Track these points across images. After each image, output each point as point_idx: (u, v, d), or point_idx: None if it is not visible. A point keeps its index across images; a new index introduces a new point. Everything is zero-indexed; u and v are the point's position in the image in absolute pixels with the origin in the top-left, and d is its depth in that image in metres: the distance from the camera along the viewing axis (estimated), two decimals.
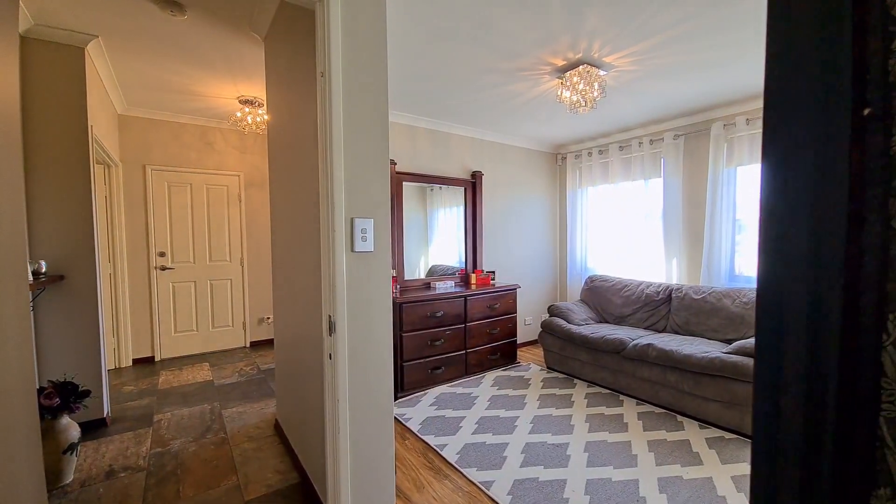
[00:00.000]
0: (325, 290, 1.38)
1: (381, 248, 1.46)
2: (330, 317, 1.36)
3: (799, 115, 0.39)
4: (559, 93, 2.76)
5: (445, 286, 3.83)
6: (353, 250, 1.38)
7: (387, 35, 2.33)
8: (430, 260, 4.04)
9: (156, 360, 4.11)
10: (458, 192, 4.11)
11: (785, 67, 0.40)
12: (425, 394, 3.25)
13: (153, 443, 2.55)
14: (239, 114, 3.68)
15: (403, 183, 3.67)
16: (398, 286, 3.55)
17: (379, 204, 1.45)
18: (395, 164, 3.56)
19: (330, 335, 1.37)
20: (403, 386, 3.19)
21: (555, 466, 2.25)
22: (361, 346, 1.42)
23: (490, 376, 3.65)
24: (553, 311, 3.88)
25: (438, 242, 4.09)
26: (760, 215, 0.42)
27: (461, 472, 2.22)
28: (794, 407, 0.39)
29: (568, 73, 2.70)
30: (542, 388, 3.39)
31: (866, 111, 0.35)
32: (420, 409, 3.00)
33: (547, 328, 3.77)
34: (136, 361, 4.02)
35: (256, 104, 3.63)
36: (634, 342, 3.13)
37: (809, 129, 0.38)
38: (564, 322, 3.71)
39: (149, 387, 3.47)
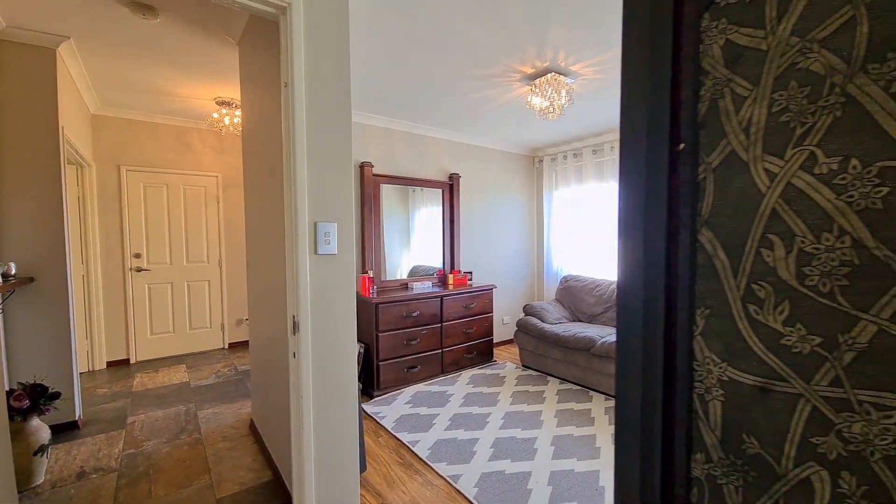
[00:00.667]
0: (290, 290, 1.44)
1: (345, 250, 1.52)
2: (294, 317, 1.42)
3: (637, 147, 0.47)
4: (528, 99, 2.86)
5: (423, 286, 3.89)
6: (316, 253, 1.44)
7: (354, 42, 2.39)
8: (412, 260, 4.10)
9: (131, 362, 4.07)
10: (439, 194, 4.19)
11: (630, 106, 0.48)
12: (401, 392, 3.31)
13: (126, 444, 2.56)
14: (216, 115, 3.68)
15: (381, 185, 3.72)
16: (375, 287, 3.61)
17: (343, 208, 1.51)
18: (372, 166, 3.61)
19: (294, 334, 1.43)
20: (379, 385, 3.25)
21: (522, 459, 2.34)
22: (325, 345, 1.48)
23: (466, 374, 3.73)
24: (528, 310, 3.99)
25: (420, 243, 4.16)
26: (617, 228, 0.50)
27: (431, 467, 2.29)
28: (634, 388, 0.48)
29: (537, 81, 2.79)
30: (515, 385, 3.48)
31: (680, 146, 0.43)
32: (395, 407, 3.06)
33: (522, 327, 3.87)
34: (110, 364, 3.98)
35: (233, 105, 3.64)
36: (603, 339, 3.25)
37: (643, 158, 0.46)
38: (538, 321, 3.82)
39: (123, 389, 3.45)
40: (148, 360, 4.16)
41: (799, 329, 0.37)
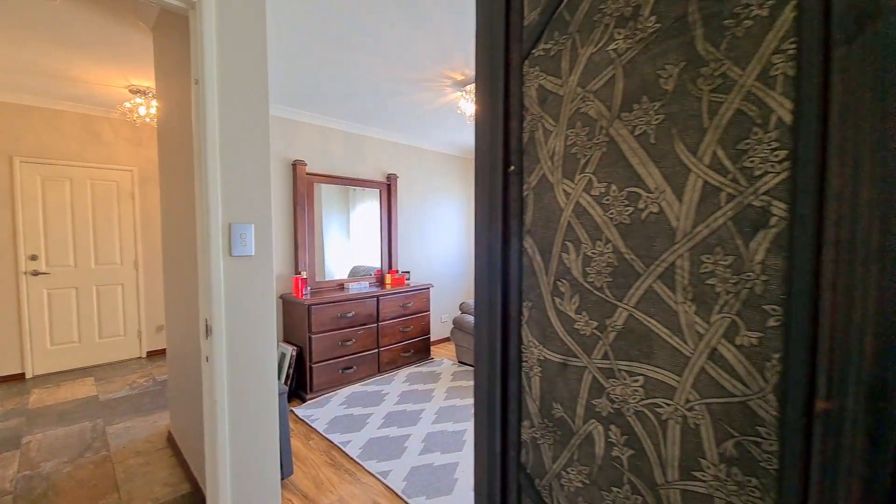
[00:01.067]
0: (202, 293, 1.40)
1: (263, 252, 1.51)
2: (206, 320, 1.39)
3: (483, 167, 0.55)
4: (459, 104, 2.97)
5: (360, 287, 3.88)
6: (231, 254, 1.41)
7: (284, 38, 2.35)
8: (352, 260, 4.07)
9: (27, 376, 3.63)
10: (377, 194, 4.19)
11: (479, 134, 0.56)
12: (336, 394, 3.29)
13: (21, 466, 2.31)
14: (128, 104, 3.40)
15: (315, 184, 3.65)
16: (309, 288, 3.54)
17: (260, 209, 1.50)
18: (306, 164, 3.54)
19: (206, 338, 1.39)
20: (312, 388, 3.20)
21: (451, 451, 2.44)
22: (241, 348, 1.46)
23: (403, 373, 3.78)
24: (463, 308, 4.12)
25: (361, 243, 4.13)
26: (474, 236, 0.59)
27: (361, 466, 2.32)
28: (484, 370, 0.56)
29: (467, 87, 2.91)
30: (451, 381, 3.59)
31: (511, 168, 0.52)
32: (329, 409, 3.03)
33: (458, 324, 4.00)
34: (1, 380, 3.52)
35: (150, 94, 3.39)
36: None
37: (487, 177, 0.55)
38: (472, 318, 3.96)
39: (16, 407, 3.09)
40: (48, 374, 3.73)
41: (584, 315, 0.47)
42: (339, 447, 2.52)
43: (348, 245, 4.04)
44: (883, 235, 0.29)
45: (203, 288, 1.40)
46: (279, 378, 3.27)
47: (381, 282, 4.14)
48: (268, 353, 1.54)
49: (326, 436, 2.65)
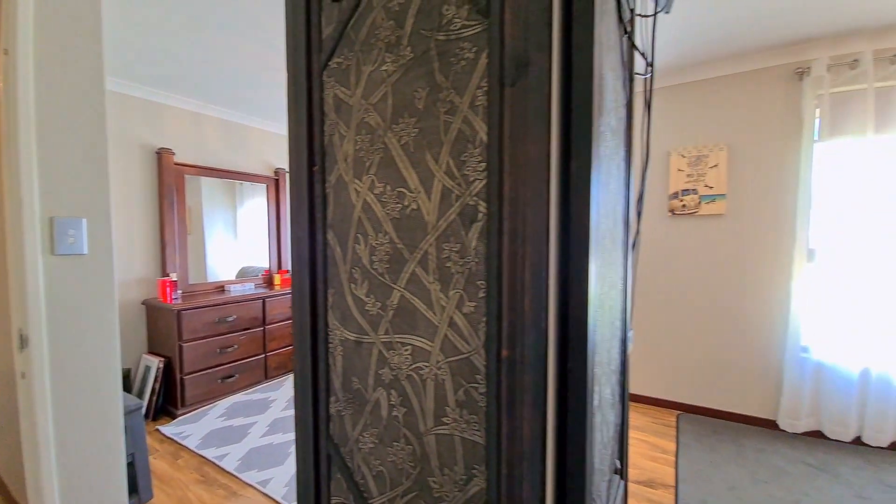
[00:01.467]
0: (14, 298, 1.20)
1: (100, 250, 1.34)
2: (20, 329, 1.19)
3: (294, 166, 0.60)
4: None
5: (243, 288, 3.61)
6: (54, 253, 1.23)
7: (151, 11, 2.11)
8: (242, 261, 3.76)
9: None
10: (264, 189, 3.93)
11: (291, 135, 0.60)
12: (214, 406, 3.02)
13: None
14: None
15: (186, 176, 3.30)
16: (180, 291, 3.19)
17: (94, 201, 1.33)
18: (174, 153, 3.18)
19: (21, 351, 1.20)
20: (184, 402, 2.89)
21: None
22: (70, 362, 1.28)
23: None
24: None
25: (249, 242, 3.83)
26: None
27: (238, 478, 2.18)
28: (299, 351, 0.61)
29: None
30: None
31: (315, 168, 0.58)
32: (205, 423, 2.78)
33: None
34: None
35: None
36: None
37: (296, 176, 0.59)
38: None
39: None
40: None
41: (372, 298, 0.54)
42: (213, 462, 2.33)
43: (236, 244, 3.73)
44: (532, 225, 0.40)
45: (16, 292, 1.20)
46: (142, 395, 2.89)
47: (269, 282, 3.90)
48: (109, 365, 1.37)
49: (199, 452, 2.43)
